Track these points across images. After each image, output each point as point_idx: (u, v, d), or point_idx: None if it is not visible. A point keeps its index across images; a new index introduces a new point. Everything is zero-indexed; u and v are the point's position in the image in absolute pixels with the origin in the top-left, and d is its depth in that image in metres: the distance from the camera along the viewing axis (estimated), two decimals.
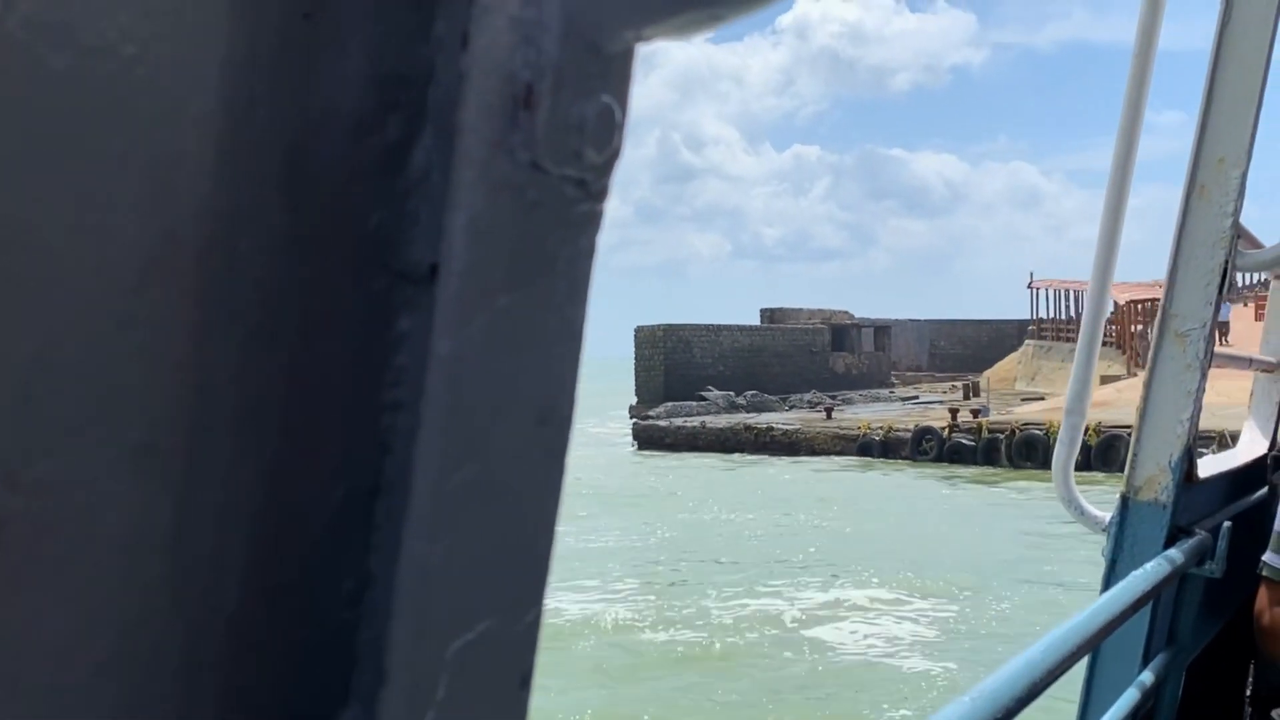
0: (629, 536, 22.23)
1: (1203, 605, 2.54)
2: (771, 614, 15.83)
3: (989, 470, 31.65)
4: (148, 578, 0.34)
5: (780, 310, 64.73)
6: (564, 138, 0.36)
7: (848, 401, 50.86)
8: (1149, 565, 2.08)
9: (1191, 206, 2.32)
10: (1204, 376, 2.34)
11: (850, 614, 15.72)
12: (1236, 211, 2.32)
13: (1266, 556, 2.45)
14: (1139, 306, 44.76)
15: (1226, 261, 2.31)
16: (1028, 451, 31.42)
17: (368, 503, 0.36)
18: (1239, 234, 2.36)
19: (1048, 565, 18.36)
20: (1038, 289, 57.13)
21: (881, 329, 68.18)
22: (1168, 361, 2.35)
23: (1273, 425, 3.22)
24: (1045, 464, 30.16)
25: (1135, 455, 2.37)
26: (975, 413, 37.44)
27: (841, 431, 37.84)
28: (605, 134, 0.37)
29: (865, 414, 42.94)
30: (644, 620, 15.63)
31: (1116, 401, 33.29)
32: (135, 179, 0.32)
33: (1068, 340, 51.43)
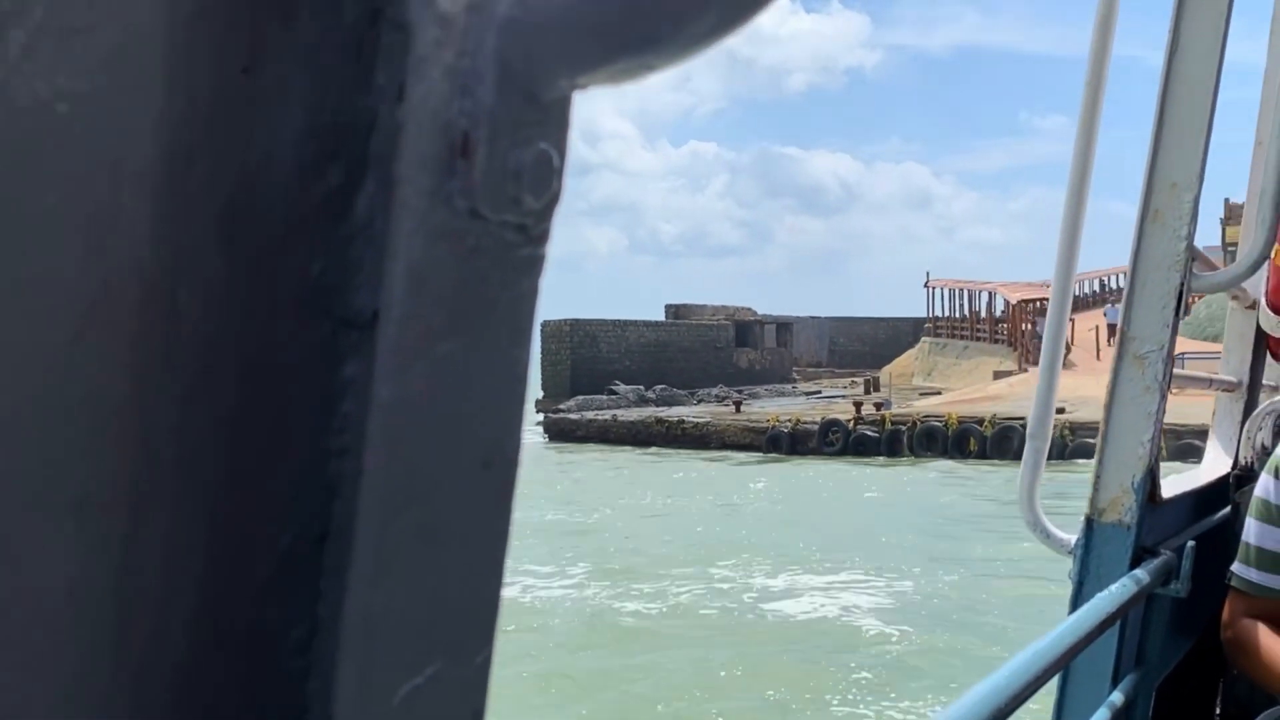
0: (565, 522, 22.87)
1: (1170, 625, 2.55)
2: (727, 590, 16.74)
3: (894, 460, 33.13)
4: (90, 630, 0.35)
5: (685, 306, 65.99)
6: (502, 185, 0.37)
7: (754, 396, 52.51)
8: (1114, 586, 2.08)
9: (1146, 231, 2.35)
10: (1164, 398, 2.37)
11: (807, 590, 16.80)
12: (1190, 235, 2.35)
13: (1234, 567, 2.46)
14: (1029, 306, 46.97)
15: (1182, 284, 2.34)
16: (928, 442, 33.31)
17: (316, 549, 0.36)
18: (1193, 257, 2.39)
19: (968, 541, 19.92)
20: (934, 288, 59.40)
21: (784, 326, 70.01)
22: (1127, 384, 2.36)
23: (1235, 444, 3.25)
24: (945, 453, 31.70)
25: (1098, 477, 2.37)
26: (878, 406, 39.25)
27: (751, 424, 39.16)
28: (543, 180, 0.37)
29: (772, 408, 44.60)
30: (604, 598, 16.30)
31: (1010, 395, 35.30)
32: (72, 234, 0.32)
33: (961, 338, 53.65)
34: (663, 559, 19.04)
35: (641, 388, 53.01)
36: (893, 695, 11.61)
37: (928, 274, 60.85)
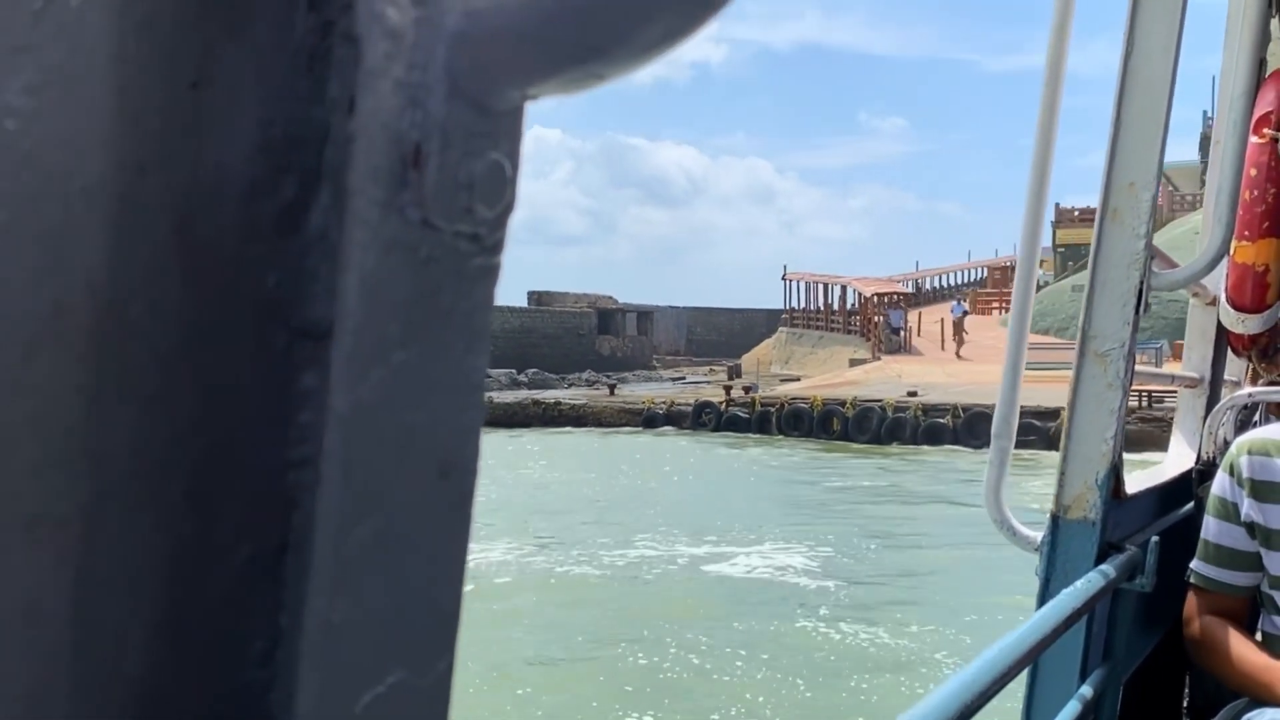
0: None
1: (1137, 620, 2.57)
2: (657, 555, 17.84)
3: (765, 438, 35.49)
4: (48, 647, 0.34)
5: (547, 293, 67.81)
6: (454, 195, 0.37)
7: (623, 381, 54.37)
8: (1080, 582, 2.10)
9: (1105, 230, 2.37)
10: (1126, 395, 2.38)
11: (727, 551, 18.08)
12: (1149, 233, 2.37)
13: (1194, 564, 2.49)
14: (882, 299, 50.41)
15: (1142, 282, 2.35)
16: (795, 422, 35.53)
17: (276, 560, 0.36)
18: (1152, 255, 2.41)
19: (848, 506, 22.13)
20: (790, 281, 62.45)
21: (644, 314, 72.41)
22: (1089, 381, 2.37)
23: (1198, 440, 3.26)
24: (810, 433, 34.08)
25: (1063, 474, 2.38)
26: (747, 389, 41.62)
27: (627, 406, 41.02)
28: (496, 190, 0.38)
29: (642, 391, 46.66)
30: (529, 569, 16.87)
31: (866, 380, 38.23)
32: (21, 251, 0.32)
33: (817, 328, 56.76)
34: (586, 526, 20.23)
35: (514, 371, 54.32)
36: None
37: (785, 268, 63.75)
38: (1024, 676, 2.30)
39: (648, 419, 39.12)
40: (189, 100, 0.35)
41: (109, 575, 0.35)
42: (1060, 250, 59.97)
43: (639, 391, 46.82)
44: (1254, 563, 2.42)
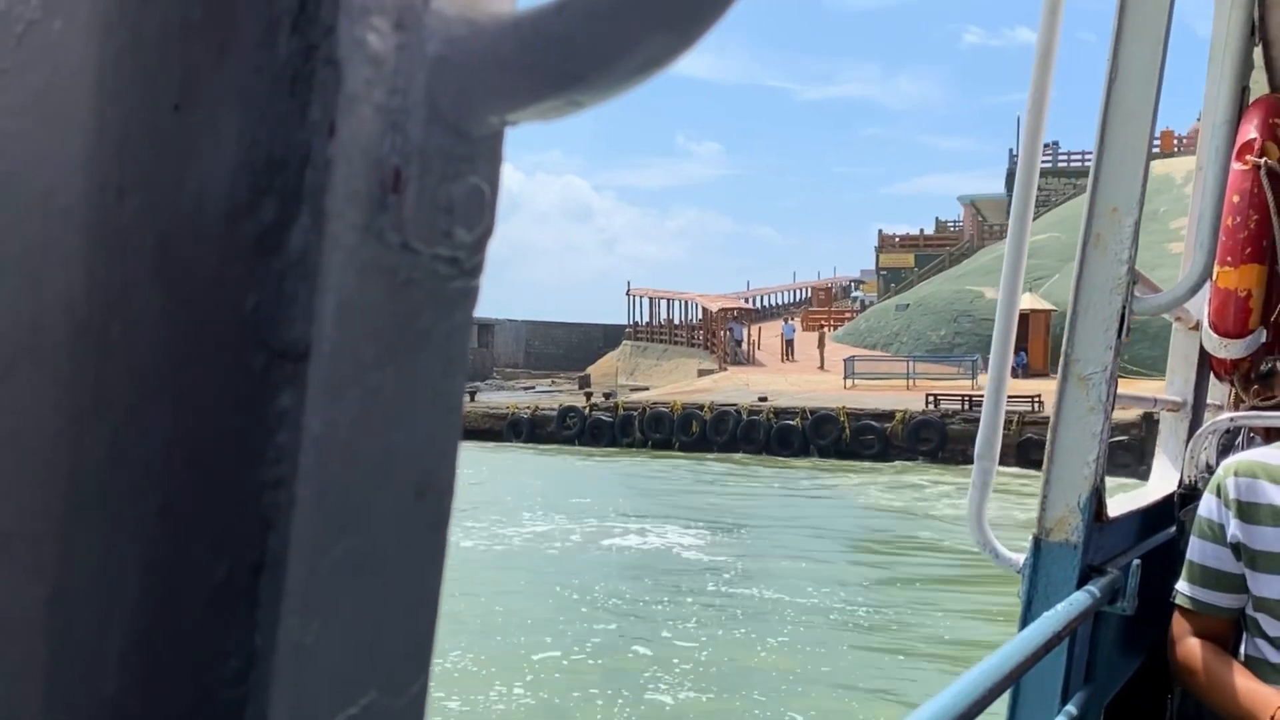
0: None
1: (1118, 642, 2.59)
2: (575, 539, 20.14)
3: (631, 450, 37.11)
4: (20, 665, 0.35)
5: None
6: (433, 219, 0.37)
7: (476, 390, 54.85)
8: (1062, 605, 2.10)
9: (1088, 255, 2.38)
10: (1108, 418, 2.39)
11: (624, 533, 20.78)
12: (1131, 259, 2.38)
13: (1179, 585, 2.47)
14: (727, 314, 52.69)
15: (1124, 307, 2.36)
16: (657, 425, 36.96)
17: (251, 580, 0.36)
18: (1135, 279, 2.42)
19: (714, 499, 24.48)
20: (634, 296, 64.26)
21: (485, 327, 73.26)
22: (1072, 405, 2.38)
23: (1180, 464, 3.26)
24: (671, 435, 35.72)
25: (1045, 497, 2.39)
26: (607, 395, 43.19)
27: (491, 411, 41.96)
28: (475, 213, 0.38)
29: (500, 398, 47.26)
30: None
31: (717, 388, 40.33)
32: (0, 271, 0.32)
33: (662, 341, 58.65)
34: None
35: None
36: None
37: (629, 283, 66.24)
38: (1006, 698, 2.30)
39: (512, 423, 39.94)
40: (171, 122, 0.35)
41: (83, 592, 0.35)
42: (883, 273, 63.97)
43: (497, 399, 47.52)
44: (1239, 585, 2.41)
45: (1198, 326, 3.49)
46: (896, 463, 31.32)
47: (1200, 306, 3.40)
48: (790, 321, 56.66)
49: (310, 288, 0.35)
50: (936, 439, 31.43)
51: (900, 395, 35.53)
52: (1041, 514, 2.40)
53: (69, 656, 0.35)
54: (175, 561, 0.36)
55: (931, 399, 32.98)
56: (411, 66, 0.36)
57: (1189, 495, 2.97)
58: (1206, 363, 3.58)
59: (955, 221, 70.16)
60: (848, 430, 32.74)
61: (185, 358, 0.36)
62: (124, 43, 0.35)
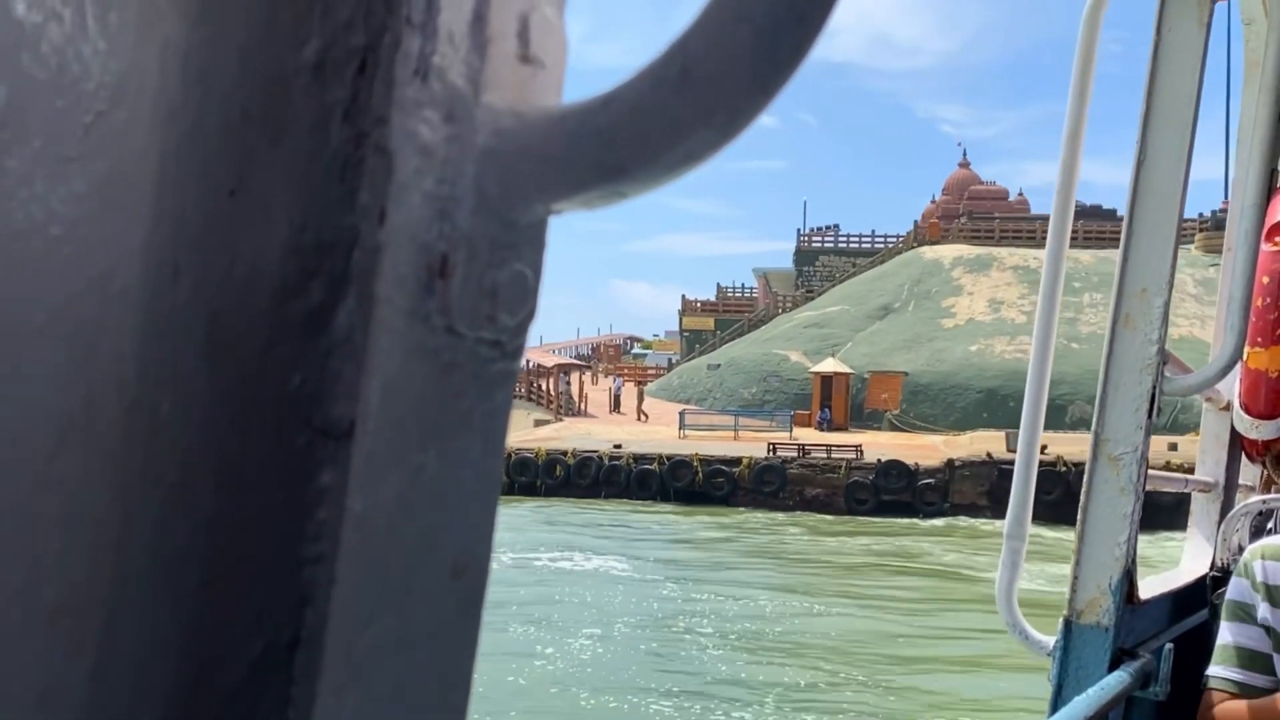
0: None
1: None
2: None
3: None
4: None
5: None
6: (479, 303, 0.37)
7: None
8: (1093, 689, 2.08)
9: (1118, 335, 2.38)
10: (1139, 499, 2.37)
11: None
12: (1162, 339, 2.37)
13: (1210, 670, 2.37)
14: (559, 368, 56.47)
15: (1154, 387, 2.35)
16: (522, 469, 38.28)
17: (287, 656, 0.36)
18: (1165, 359, 2.41)
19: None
20: None
21: None
22: (1102, 485, 2.37)
23: (1212, 545, 3.24)
24: (536, 478, 38.88)
25: (1075, 579, 2.36)
26: None
27: None
28: (519, 298, 0.39)
29: None
30: None
31: (560, 437, 43.62)
32: (56, 349, 0.33)
33: None
34: None
35: None
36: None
37: None
38: None
39: None
40: (226, 206, 0.36)
41: (123, 666, 0.36)
42: (685, 335, 69.42)
43: None
44: (1272, 666, 2.33)
45: (1229, 407, 3.45)
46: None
47: (1231, 387, 3.35)
48: (619, 377, 60.70)
49: (356, 368, 0.35)
50: (778, 481, 35.68)
51: (729, 444, 39.82)
52: (1072, 595, 2.36)
53: None
54: (213, 636, 0.37)
55: (771, 448, 37.73)
56: (461, 157, 0.37)
57: (1222, 577, 2.89)
58: (1238, 444, 3.53)
59: (747, 288, 76.70)
60: (700, 474, 36.79)
61: (230, 435, 0.37)
62: (185, 132, 0.36)
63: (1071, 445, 35.42)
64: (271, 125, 0.37)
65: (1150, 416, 2.38)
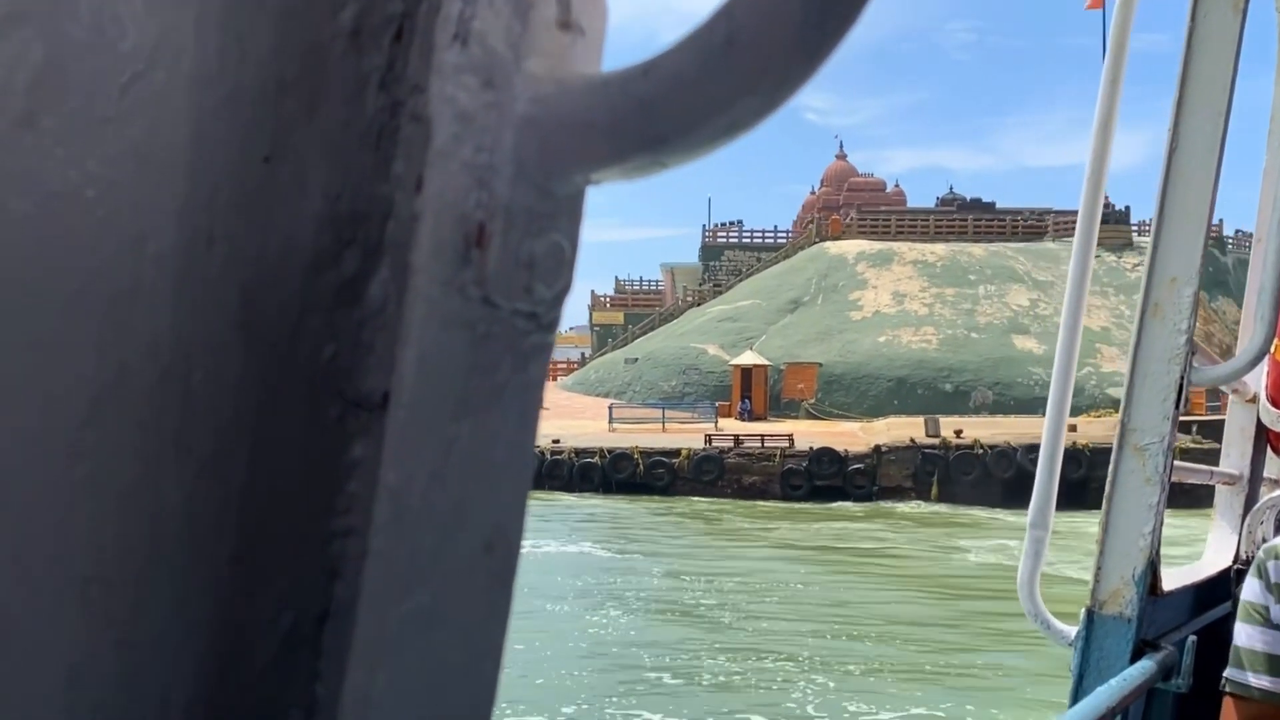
0: None
1: None
2: None
3: None
4: (91, 708, 0.35)
5: None
6: (515, 274, 0.37)
7: None
8: (1115, 680, 2.08)
9: (1146, 324, 2.37)
10: (1165, 490, 2.37)
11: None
12: (1190, 329, 2.35)
13: (1227, 672, 2.32)
14: None
15: (1182, 377, 2.35)
16: None
17: (316, 629, 0.36)
18: (1193, 350, 2.39)
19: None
20: None
21: None
22: (1128, 476, 2.36)
23: (1236, 538, 3.22)
24: None
25: (1099, 569, 2.37)
26: None
27: None
28: (555, 270, 0.38)
29: None
30: None
31: None
32: (91, 315, 0.33)
33: None
34: None
35: None
36: None
37: None
38: None
39: None
40: (261, 174, 0.36)
41: (154, 636, 0.35)
42: (596, 329, 70.91)
43: None
44: None
45: (1255, 399, 3.40)
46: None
47: (1258, 379, 3.30)
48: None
49: (390, 339, 0.35)
50: (716, 470, 37.10)
51: (658, 436, 41.51)
52: (1095, 586, 2.36)
53: (136, 702, 0.35)
54: (243, 607, 0.37)
55: (707, 438, 39.54)
56: (499, 124, 0.36)
57: (1245, 570, 2.74)
58: (1264, 436, 3.52)
59: (647, 280, 78.53)
60: (641, 466, 38.38)
61: (262, 405, 0.37)
62: (222, 97, 0.35)
63: (983, 429, 38.33)
64: (307, 92, 0.36)
65: (1178, 407, 2.37)
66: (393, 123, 0.35)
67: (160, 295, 0.35)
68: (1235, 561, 3.12)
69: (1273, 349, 2.95)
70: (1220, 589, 3.03)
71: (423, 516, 0.37)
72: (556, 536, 27.40)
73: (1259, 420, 3.42)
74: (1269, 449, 3.61)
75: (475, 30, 0.35)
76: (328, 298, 0.36)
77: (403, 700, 0.38)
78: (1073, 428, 36.32)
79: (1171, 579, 2.61)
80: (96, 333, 0.33)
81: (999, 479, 35.24)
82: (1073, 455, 34.52)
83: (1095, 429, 36.28)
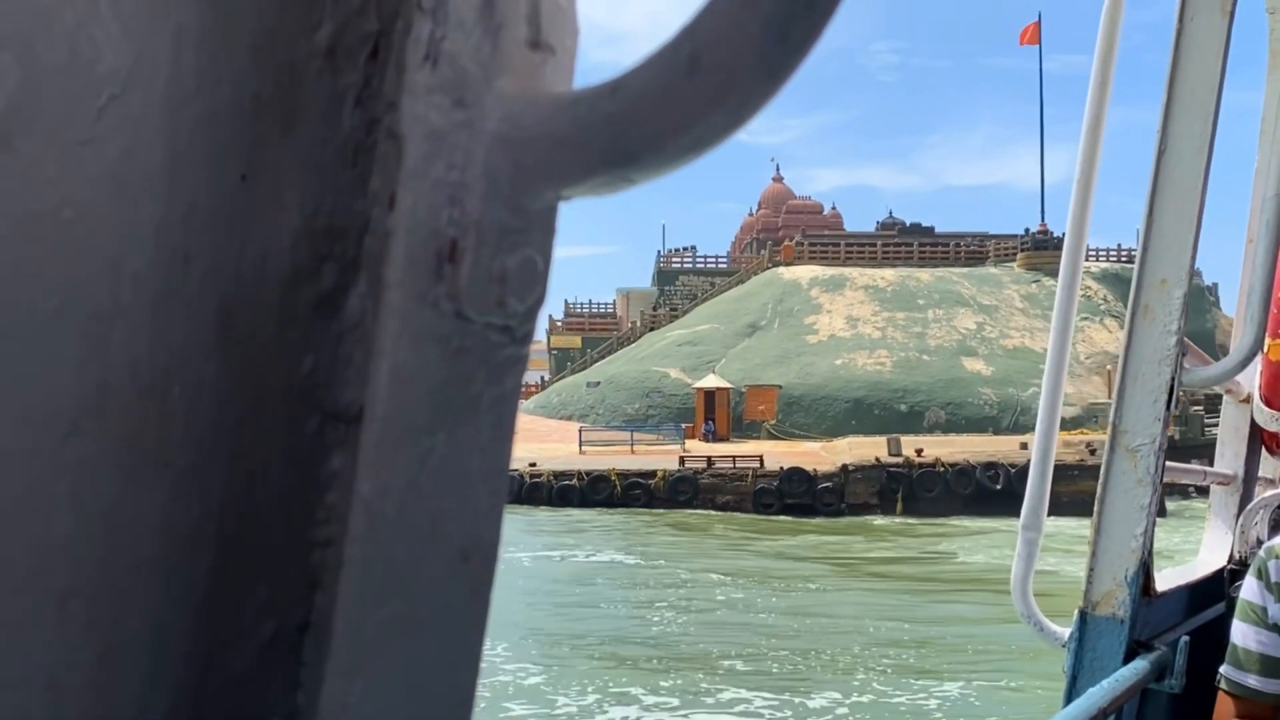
0: None
1: None
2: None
3: None
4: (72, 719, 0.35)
5: None
6: (487, 289, 0.37)
7: None
8: (1108, 681, 2.08)
9: (1137, 326, 2.37)
10: (1156, 491, 2.37)
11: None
12: (1180, 330, 2.36)
13: (1224, 670, 2.32)
14: None
15: (1173, 378, 2.35)
16: None
17: (297, 639, 0.36)
18: (1184, 351, 2.41)
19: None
20: None
21: None
22: (1119, 477, 2.37)
23: (1230, 538, 3.21)
24: None
25: (1091, 570, 2.37)
26: None
27: None
28: (528, 283, 0.39)
29: None
30: None
31: None
32: (69, 333, 0.33)
33: None
34: None
35: None
36: None
37: None
38: None
39: None
40: (238, 191, 0.36)
41: (134, 649, 0.36)
42: (554, 353, 72.02)
43: None
44: None
45: (1249, 399, 3.39)
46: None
47: (1251, 379, 3.28)
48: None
49: (366, 353, 0.36)
50: (691, 490, 38.54)
51: (628, 458, 42.78)
52: (1088, 587, 2.37)
53: (117, 712, 0.36)
54: (223, 619, 0.37)
55: (681, 460, 41.05)
56: (471, 142, 0.36)
57: (1239, 570, 2.86)
58: (1258, 436, 3.52)
59: (595, 303, 79.29)
60: (619, 488, 39.84)
61: (241, 419, 0.37)
62: (198, 116, 0.35)
63: (940, 448, 40.36)
64: (283, 111, 0.37)
65: (1169, 408, 2.37)
66: (369, 139, 0.36)
67: (139, 313, 0.35)
68: (1230, 562, 3.12)
69: (1265, 349, 2.97)
70: (1214, 589, 3.02)
71: (398, 527, 0.38)
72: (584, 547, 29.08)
73: (1253, 420, 3.44)
74: (1263, 449, 3.63)
75: (446, 50, 0.36)
76: (306, 311, 0.37)
77: (381, 708, 0.38)
78: (1024, 445, 38.61)
79: (1165, 579, 2.63)
80: (75, 351, 0.34)
81: (959, 495, 37.26)
82: (1027, 472, 36.62)
83: None
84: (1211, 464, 3.59)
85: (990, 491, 36.68)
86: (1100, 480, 2.41)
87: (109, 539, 0.35)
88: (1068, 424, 43.59)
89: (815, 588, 23.43)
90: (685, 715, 13.99)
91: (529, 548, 29.21)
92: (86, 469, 0.34)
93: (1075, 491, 21.70)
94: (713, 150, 0.36)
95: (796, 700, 14.36)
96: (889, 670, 15.94)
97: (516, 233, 0.38)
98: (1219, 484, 3.52)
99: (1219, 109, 2.37)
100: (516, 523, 36.10)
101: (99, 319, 0.34)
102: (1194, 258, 2.39)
